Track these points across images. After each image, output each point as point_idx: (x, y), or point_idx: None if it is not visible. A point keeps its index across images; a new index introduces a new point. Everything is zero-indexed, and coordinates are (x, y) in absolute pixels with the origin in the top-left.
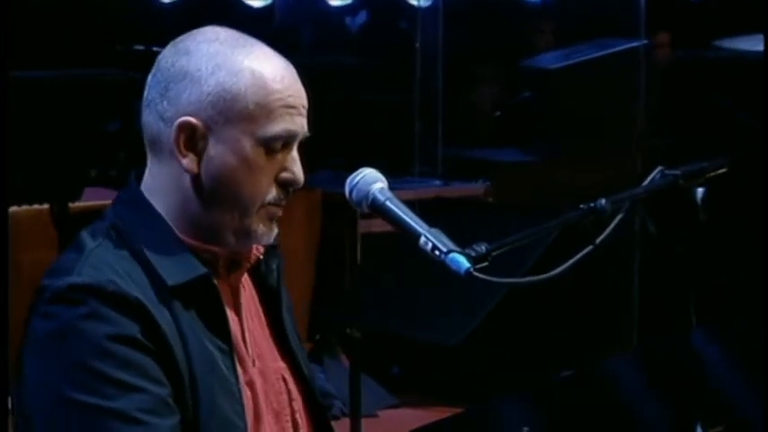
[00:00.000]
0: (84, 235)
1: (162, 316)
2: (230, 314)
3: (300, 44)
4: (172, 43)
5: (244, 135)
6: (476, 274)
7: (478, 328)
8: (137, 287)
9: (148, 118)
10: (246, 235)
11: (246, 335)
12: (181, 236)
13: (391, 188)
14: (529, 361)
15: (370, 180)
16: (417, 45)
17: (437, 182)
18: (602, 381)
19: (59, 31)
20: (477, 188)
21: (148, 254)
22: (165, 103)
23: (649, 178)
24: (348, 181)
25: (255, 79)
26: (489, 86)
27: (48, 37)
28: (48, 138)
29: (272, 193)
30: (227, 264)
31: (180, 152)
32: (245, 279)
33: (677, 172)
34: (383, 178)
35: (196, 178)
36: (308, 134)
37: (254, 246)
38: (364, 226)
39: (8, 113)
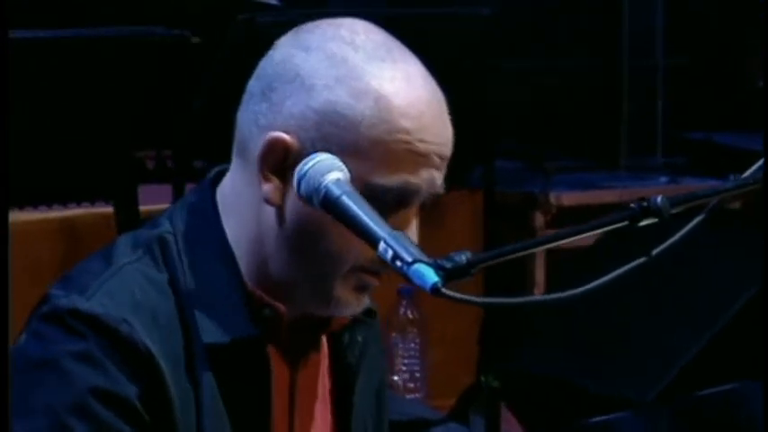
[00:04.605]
0: (122, 242)
1: (178, 379)
2: (279, 390)
3: None
4: (295, 29)
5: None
6: (446, 291)
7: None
8: (158, 332)
9: (244, 115)
10: (324, 302)
11: (296, 420)
12: (245, 277)
13: (594, 187)
14: None
15: (324, 169)
16: None
17: (662, 178)
18: None
19: None
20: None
21: (193, 290)
22: (264, 104)
23: (750, 171)
24: (297, 169)
25: (380, 108)
26: (745, 47)
27: None
28: (93, 116)
29: (370, 258)
30: (292, 326)
31: (263, 173)
32: (321, 347)
33: None
34: (342, 166)
35: (278, 212)
36: (439, 193)
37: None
38: None
39: (7, 113)
